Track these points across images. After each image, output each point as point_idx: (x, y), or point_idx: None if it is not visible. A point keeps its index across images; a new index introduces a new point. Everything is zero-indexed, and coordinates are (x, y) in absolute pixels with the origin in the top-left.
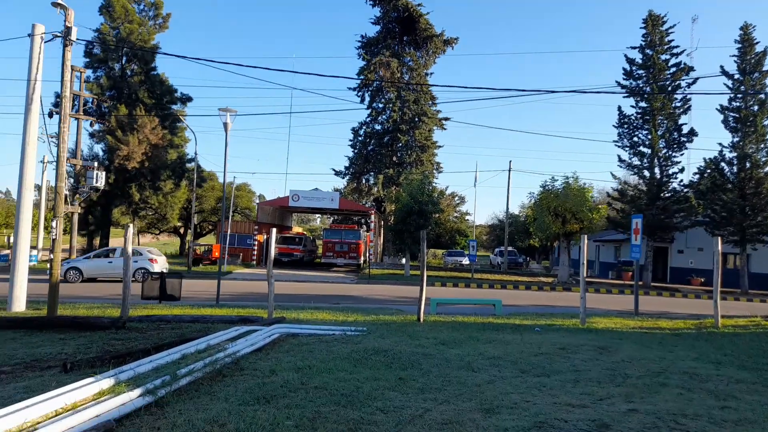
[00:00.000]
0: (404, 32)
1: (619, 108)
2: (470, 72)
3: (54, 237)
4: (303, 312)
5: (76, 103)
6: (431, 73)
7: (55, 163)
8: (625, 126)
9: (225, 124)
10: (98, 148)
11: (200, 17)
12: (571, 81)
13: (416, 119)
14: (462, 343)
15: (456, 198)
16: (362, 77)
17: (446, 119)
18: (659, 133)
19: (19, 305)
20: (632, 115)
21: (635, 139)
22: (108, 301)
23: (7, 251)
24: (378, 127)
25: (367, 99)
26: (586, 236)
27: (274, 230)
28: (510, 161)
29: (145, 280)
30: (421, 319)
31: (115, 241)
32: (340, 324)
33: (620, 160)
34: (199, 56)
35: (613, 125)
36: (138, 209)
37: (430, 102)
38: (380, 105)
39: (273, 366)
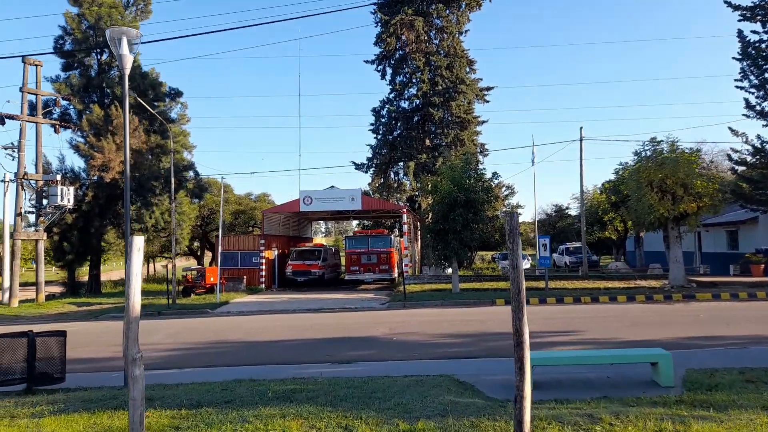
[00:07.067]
0: None
1: (740, 33)
2: (514, 30)
3: None
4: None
5: (33, 103)
6: (466, 31)
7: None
8: (751, 57)
9: (121, 57)
10: (80, 163)
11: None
12: (646, 33)
13: (451, 89)
14: None
15: (504, 188)
16: (381, 46)
17: (488, 89)
18: None
19: None
20: (757, 42)
21: (767, 75)
22: None
23: None
24: (404, 104)
25: (389, 73)
26: None
27: (137, 242)
28: (581, 128)
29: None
30: None
31: (111, 273)
32: None
33: (748, 105)
34: (189, 45)
35: (734, 57)
36: (131, 231)
37: (468, 68)
38: (405, 78)
39: None
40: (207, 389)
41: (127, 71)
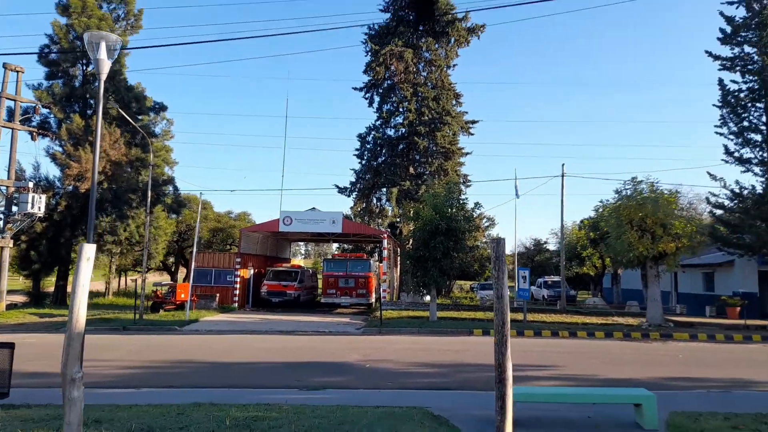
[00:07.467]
0: (420, 18)
1: (721, 82)
2: (500, 67)
3: None
4: None
5: (11, 109)
6: (454, 65)
7: None
8: (730, 105)
9: (98, 61)
10: (56, 171)
11: (181, 18)
12: (634, 67)
13: (437, 120)
14: None
15: (484, 219)
16: (370, 74)
17: (474, 122)
18: None
19: None
20: (736, 91)
21: (745, 123)
22: None
23: None
24: (390, 132)
25: (377, 101)
26: None
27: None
28: (563, 164)
29: None
30: None
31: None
32: None
33: (727, 152)
34: (179, 61)
35: (714, 104)
36: (103, 243)
37: (454, 101)
38: (392, 106)
39: None
40: (162, 412)
41: (104, 76)
